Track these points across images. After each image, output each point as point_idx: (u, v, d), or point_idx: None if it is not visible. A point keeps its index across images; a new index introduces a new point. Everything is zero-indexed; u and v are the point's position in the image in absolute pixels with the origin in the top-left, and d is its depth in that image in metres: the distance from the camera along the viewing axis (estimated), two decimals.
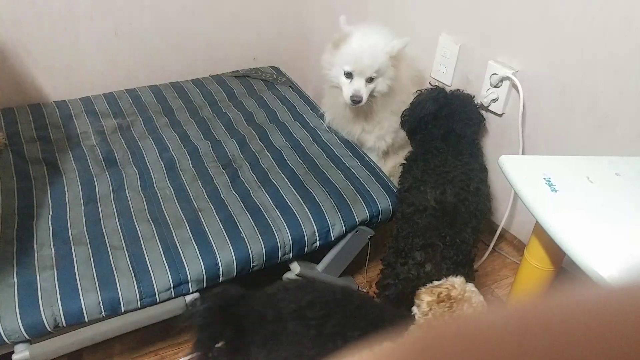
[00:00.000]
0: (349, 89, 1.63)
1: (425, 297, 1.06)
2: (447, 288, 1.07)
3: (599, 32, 1.30)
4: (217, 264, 1.33)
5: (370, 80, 1.63)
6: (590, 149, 1.41)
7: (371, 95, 1.67)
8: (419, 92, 1.67)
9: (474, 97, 1.65)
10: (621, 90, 1.29)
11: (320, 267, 1.54)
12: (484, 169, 1.53)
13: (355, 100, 1.62)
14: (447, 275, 1.11)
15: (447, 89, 1.68)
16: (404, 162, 1.63)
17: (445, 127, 1.58)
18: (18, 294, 1.19)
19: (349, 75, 1.63)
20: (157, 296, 1.27)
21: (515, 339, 0.21)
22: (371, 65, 1.60)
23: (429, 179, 1.41)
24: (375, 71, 1.61)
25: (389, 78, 1.65)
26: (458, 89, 1.67)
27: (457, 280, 1.10)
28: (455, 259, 1.27)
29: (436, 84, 1.74)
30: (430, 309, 1.05)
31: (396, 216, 1.48)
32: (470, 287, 1.10)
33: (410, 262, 1.28)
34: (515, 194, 1.29)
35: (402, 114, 1.69)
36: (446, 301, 1.05)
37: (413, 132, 1.66)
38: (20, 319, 1.15)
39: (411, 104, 1.65)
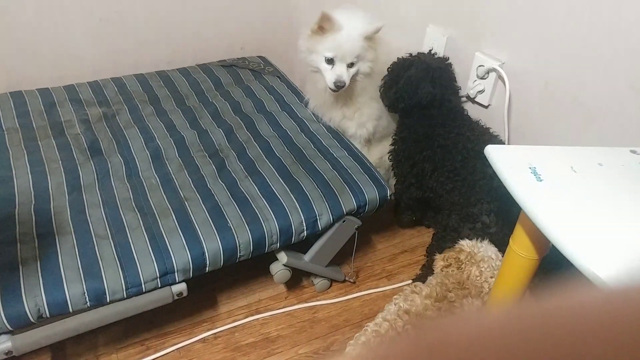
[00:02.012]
0: (331, 74, 1.64)
1: (438, 263, 1.30)
2: (456, 253, 1.29)
3: (586, 28, 1.31)
4: (203, 253, 1.33)
5: (350, 65, 1.64)
6: (574, 142, 1.42)
7: (353, 79, 1.69)
8: (397, 61, 1.66)
9: (448, 59, 1.66)
10: (606, 87, 1.30)
11: (307, 257, 1.54)
12: None
13: (339, 85, 1.63)
14: (509, 235, 1.20)
15: (424, 54, 1.67)
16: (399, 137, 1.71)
17: (447, 106, 1.61)
18: (0, 284, 1.17)
19: (330, 61, 1.64)
20: (143, 286, 1.26)
21: (510, 343, 0.20)
22: (352, 51, 1.62)
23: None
24: (355, 56, 1.63)
25: (369, 60, 1.67)
26: (433, 53, 1.66)
27: (465, 244, 1.30)
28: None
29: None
30: (442, 270, 1.28)
31: (455, 184, 1.53)
32: (484, 250, 1.28)
33: (478, 226, 1.44)
34: None
35: (387, 88, 1.66)
36: (453, 264, 1.27)
37: (407, 111, 1.66)
38: (3, 309, 1.13)
39: (404, 81, 1.60)
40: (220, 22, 2.36)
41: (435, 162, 1.57)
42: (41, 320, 1.18)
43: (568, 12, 1.34)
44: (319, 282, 1.66)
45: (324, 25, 1.62)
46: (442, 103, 1.60)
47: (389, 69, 1.67)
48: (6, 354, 1.15)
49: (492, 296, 1.23)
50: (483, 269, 1.25)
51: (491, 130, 1.58)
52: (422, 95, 1.57)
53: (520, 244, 1.15)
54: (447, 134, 1.55)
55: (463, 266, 1.27)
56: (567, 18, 1.35)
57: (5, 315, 1.13)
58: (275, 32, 2.52)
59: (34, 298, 1.16)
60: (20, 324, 1.15)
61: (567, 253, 0.87)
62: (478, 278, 1.24)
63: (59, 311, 1.18)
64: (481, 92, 1.65)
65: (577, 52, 1.35)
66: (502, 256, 1.31)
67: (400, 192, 1.78)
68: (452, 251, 1.31)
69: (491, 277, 1.25)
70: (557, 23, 1.38)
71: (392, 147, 1.75)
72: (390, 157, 1.78)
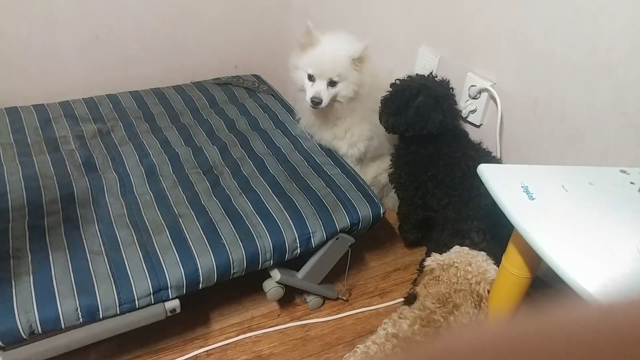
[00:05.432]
0: (310, 91, 1.67)
1: (421, 291, 1.28)
2: (430, 271, 1.28)
3: (566, 48, 1.35)
4: (197, 270, 1.33)
5: (332, 84, 1.66)
6: (563, 160, 1.45)
7: (336, 101, 1.70)
8: (400, 87, 1.62)
9: (449, 81, 1.66)
10: (589, 105, 1.33)
11: (300, 274, 1.55)
12: None
13: (315, 101, 1.66)
14: (499, 252, 1.22)
15: (425, 77, 1.65)
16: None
17: (453, 131, 1.63)
18: None
19: (311, 77, 1.67)
20: (136, 302, 1.25)
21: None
22: (332, 68, 1.64)
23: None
24: (337, 74, 1.65)
25: (354, 83, 1.68)
26: (434, 76, 1.65)
27: (429, 260, 1.30)
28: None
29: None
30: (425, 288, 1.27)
31: (451, 199, 1.56)
32: (452, 257, 1.28)
33: (467, 242, 1.44)
34: None
35: (390, 114, 1.61)
36: (432, 282, 1.25)
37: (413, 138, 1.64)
38: None
39: (414, 111, 1.56)
40: (214, 40, 2.39)
41: (438, 179, 1.58)
42: (33, 337, 1.17)
43: (549, 34, 1.38)
44: (312, 300, 1.66)
45: (305, 40, 1.65)
46: (449, 129, 1.61)
47: (391, 93, 1.63)
48: None
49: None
50: (459, 267, 1.25)
51: (492, 154, 1.60)
52: (433, 125, 1.56)
53: (513, 262, 1.16)
54: (453, 153, 1.57)
55: (441, 277, 1.27)
56: (547, 38, 1.38)
57: None
58: (269, 50, 2.54)
59: (26, 314, 1.15)
60: (12, 340, 1.14)
61: (559, 270, 0.89)
62: (455, 280, 1.24)
63: (52, 327, 1.17)
64: (473, 111, 1.68)
65: (560, 72, 1.38)
66: (463, 249, 1.32)
67: (407, 214, 1.79)
68: (425, 276, 1.31)
69: (468, 265, 1.24)
70: (539, 44, 1.42)
71: (393, 170, 1.75)
72: (391, 181, 1.78)
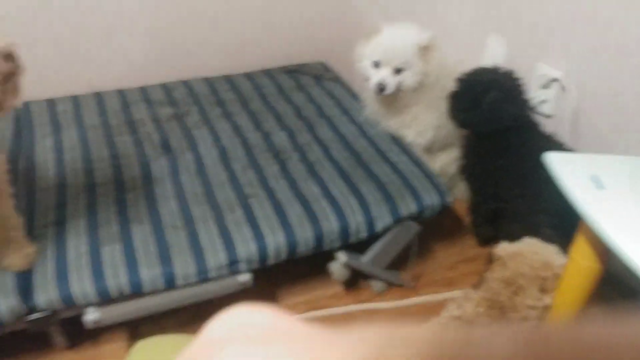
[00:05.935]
0: (375, 77, 1.70)
1: (488, 276, 1.26)
2: (499, 258, 1.27)
3: None
4: (266, 247, 1.40)
5: (397, 71, 1.69)
6: None
7: (399, 90, 1.72)
8: (468, 81, 1.60)
9: (515, 73, 1.61)
10: None
11: (366, 258, 1.58)
12: None
13: (380, 87, 1.69)
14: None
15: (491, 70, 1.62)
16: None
17: (524, 120, 1.59)
18: (91, 261, 1.30)
19: (376, 64, 1.70)
20: (211, 273, 1.35)
21: None
22: (398, 55, 1.67)
23: None
24: (402, 62, 1.67)
25: (418, 72, 1.70)
26: (498, 68, 1.61)
27: (498, 247, 1.29)
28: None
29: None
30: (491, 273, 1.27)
31: (522, 191, 1.56)
32: (521, 246, 1.27)
33: (538, 237, 1.40)
34: None
35: (461, 110, 1.61)
36: (499, 268, 1.24)
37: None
38: (92, 284, 1.26)
39: (487, 106, 1.54)
40: (281, 28, 2.43)
41: (508, 170, 1.58)
42: (122, 297, 1.30)
43: (625, 22, 1.34)
44: (377, 285, 1.68)
45: (370, 30, 1.69)
46: (522, 120, 1.59)
47: (459, 88, 1.62)
48: (95, 323, 1.28)
49: (555, 307, 1.22)
50: (526, 255, 1.24)
51: (564, 146, 1.57)
52: (508, 118, 1.54)
53: (581, 252, 1.16)
54: (524, 144, 1.55)
55: (508, 263, 1.26)
56: (625, 25, 1.34)
57: (93, 289, 1.26)
58: (336, 39, 2.57)
59: (116, 277, 1.28)
60: (104, 299, 1.28)
61: (630, 262, 0.88)
62: (520, 267, 1.23)
63: (137, 290, 1.30)
64: (544, 102, 1.66)
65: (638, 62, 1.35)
66: (533, 240, 1.31)
67: (478, 204, 1.78)
68: (493, 262, 1.31)
69: (535, 254, 1.24)
70: (616, 30, 1.38)
71: (464, 161, 1.74)
72: (462, 172, 1.77)
